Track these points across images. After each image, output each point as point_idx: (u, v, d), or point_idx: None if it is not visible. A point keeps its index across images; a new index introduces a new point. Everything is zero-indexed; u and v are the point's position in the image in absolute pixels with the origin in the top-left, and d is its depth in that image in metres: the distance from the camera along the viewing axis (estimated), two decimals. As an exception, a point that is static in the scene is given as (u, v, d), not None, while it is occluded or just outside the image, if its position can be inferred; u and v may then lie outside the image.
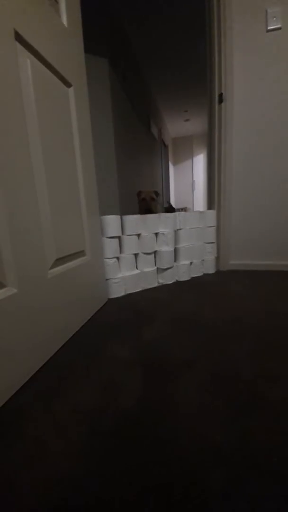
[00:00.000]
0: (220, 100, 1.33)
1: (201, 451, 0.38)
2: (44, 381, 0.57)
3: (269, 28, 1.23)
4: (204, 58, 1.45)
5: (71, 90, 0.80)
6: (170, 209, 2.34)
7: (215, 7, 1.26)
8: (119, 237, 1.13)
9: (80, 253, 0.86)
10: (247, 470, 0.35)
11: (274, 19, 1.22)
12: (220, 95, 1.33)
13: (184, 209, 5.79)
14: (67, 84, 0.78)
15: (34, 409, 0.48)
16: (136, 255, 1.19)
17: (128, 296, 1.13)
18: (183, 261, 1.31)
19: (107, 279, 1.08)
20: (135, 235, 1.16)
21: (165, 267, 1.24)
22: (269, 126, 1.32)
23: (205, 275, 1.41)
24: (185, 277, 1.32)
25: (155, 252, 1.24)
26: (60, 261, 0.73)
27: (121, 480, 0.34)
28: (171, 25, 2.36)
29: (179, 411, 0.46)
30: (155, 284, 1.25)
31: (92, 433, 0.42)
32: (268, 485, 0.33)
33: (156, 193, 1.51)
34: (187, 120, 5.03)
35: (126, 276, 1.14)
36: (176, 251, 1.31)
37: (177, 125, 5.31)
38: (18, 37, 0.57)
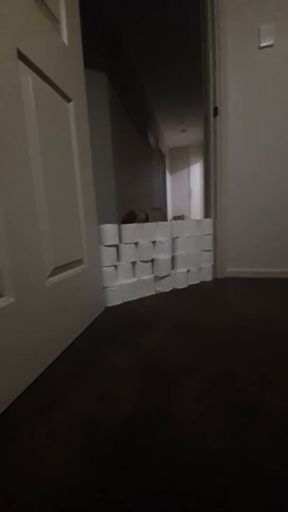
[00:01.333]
0: (215, 113, 1.38)
1: (200, 459, 0.38)
2: (42, 390, 0.56)
3: (261, 45, 1.29)
4: (200, 72, 1.51)
5: (71, 105, 0.83)
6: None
7: (209, 24, 1.32)
8: (117, 246, 1.14)
9: (78, 262, 0.87)
10: (246, 478, 0.35)
11: (267, 36, 1.28)
12: (215, 109, 1.38)
13: (181, 217, 5.85)
14: (67, 99, 0.81)
15: (31, 419, 0.48)
16: (133, 263, 1.20)
17: (126, 304, 1.13)
18: (181, 269, 1.32)
19: (104, 287, 1.09)
20: (133, 243, 1.18)
21: (162, 275, 1.25)
22: (261, 136, 1.36)
23: (203, 282, 1.42)
24: (182, 285, 1.33)
25: (152, 260, 1.25)
26: (58, 269, 0.73)
27: (120, 488, 0.34)
28: (168, 39, 2.45)
29: (178, 419, 0.46)
30: (153, 292, 1.26)
31: (90, 442, 0.42)
32: (266, 493, 0.33)
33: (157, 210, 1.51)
34: (183, 131, 5.15)
35: (123, 284, 1.14)
36: (173, 259, 1.32)
37: (174, 136, 5.43)
38: (21, 56, 0.59)
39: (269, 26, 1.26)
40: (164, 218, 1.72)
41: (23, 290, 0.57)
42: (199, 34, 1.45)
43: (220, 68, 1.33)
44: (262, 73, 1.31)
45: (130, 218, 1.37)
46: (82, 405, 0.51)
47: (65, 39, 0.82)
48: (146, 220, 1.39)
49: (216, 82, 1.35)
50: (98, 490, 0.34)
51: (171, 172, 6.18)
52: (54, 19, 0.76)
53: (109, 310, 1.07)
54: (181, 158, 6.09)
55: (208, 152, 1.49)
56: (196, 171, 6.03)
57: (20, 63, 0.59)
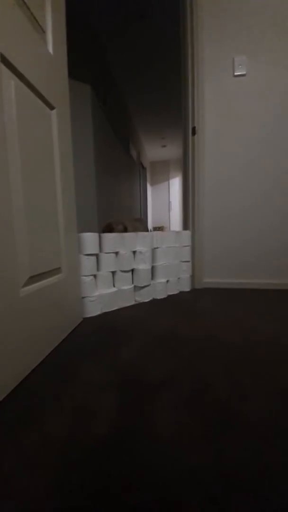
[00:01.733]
0: (193, 133, 1.46)
1: (178, 473, 0.37)
2: (13, 408, 0.52)
3: (235, 73, 1.41)
4: (180, 91, 1.60)
5: (54, 112, 0.83)
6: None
7: (189, 51, 1.42)
8: (96, 255, 1.12)
9: (56, 271, 0.84)
10: (223, 489, 0.34)
11: (240, 66, 1.40)
12: (193, 128, 1.46)
13: (160, 228, 5.96)
14: (50, 106, 0.81)
15: (1, 439, 0.44)
16: (113, 272, 1.19)
17: (105, 314, 1.10)
18: (160, 279, 1.33)
19: (83, 297, 1.05)
20: (113, 253, 1.17)
21: (142, 285, 1.25)
22: (234, 154, 1.46)
23: (181, 293, 1.44)
24: (161, 295, 1.34)
25: (132, 270, 1.25)
26: (34, 278, 0.70)
27: (96, 509, 0.32)
28: (150, 56, 2.57)
29: (155, 434, 0.44)
30: (132, 302, 1.25)
31: (62, 464, 0.39)
32: (244, 502, 0.33)
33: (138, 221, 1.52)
34: (164, 146, 5.35)
35: (103, 294, 1.12)
36: (153, 269, 1.33)
37: (155, 150, 5.62)
38: (4, 60, 0.59)
39: (242, 57, 1.39)
40: (145, 229, 1.74)
41: (-5, 300, 0.54)
42: (180, 59, 1.55)
43: (198, 92, 1.42)
44: (235, 98, 1.43)
45: (108, 230, 1.36)
46: (55, 424, 0.48)
47: (50, 48, 0.82)
48: (125, 231, 1.39)
49: (195, 104, 1.43)
50: (72, 517, 0.32)
51: (152, 184, 6.34)
52: (40, 29, 0.77)
53: (87, 321, 1.03)
54: (161, 171, 6.29)
55: (187, 168, 1.55)
56: (175, 184, 6.24)
57: (3, 66, 0.58)
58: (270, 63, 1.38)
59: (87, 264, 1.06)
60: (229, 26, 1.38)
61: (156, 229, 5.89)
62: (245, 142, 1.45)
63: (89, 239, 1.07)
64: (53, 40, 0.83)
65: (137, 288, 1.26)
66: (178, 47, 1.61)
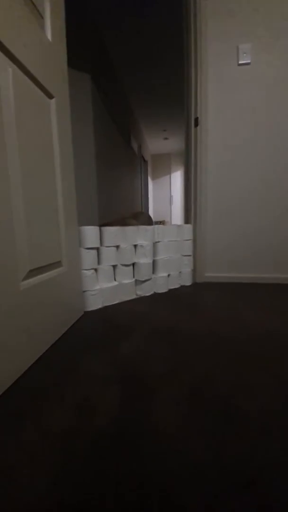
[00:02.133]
0: (196, 124, 1.43)
1: (181, 468, 0.37)
2: (12, 402, 0.52)
3: (240, 62, 1.36)
4: (182, 82, 1.56)
5: (53, 102, 0.80)
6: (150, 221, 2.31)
7: (192, 40, 1.38)
8: (97, 248, 1.11)
9: (57, 264, 0.84)
10: (226, 484, 0.34)
11: (245, 55, 1.35)
12: (196, 119, 1.42)
13: (162, 222, 5.94)
14: (49, 95, 0.79)
15: (1, 433, 0.44)
16: (114, 266, 1.18)
17: (106, 308, 1.10)
18: (161, 273, 1.32)
19: (84, 291, 1.05)
20: (114, 246, 1.16)
21: (143, 279, 1.24)
22: (237, 144, 1.43)
23: (182, 287, 1.43)
24: (163, 289, 1.33)
25: (133, 264, 1.24)
26: (34, 272, 0.70)
27: (98, 504, 0.32)
28: (153, 47, 2.51)
29: (157, 428, 0.44)
30: (133, 296, 1.24)
31: (65, 457, 0.39)
32: (247, 498, 0.33)
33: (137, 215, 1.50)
34: (166, 138, 5.27)
35: (104, 288, 1.12)
36: (154, 263, 1.32)
37: (156, 143, 5.54)
38: (1, 46, 0.57)
39: (246, 45, 1.34)
40: (150, 223, 1.73)
41: (-5, 293, 0.53)
42: (182, 48, 1.51)
43: (201, 82, 1.38)
44: (239, 87, 1.39)
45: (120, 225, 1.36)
46: (57, 417, 0.48)
47: (49, 35, 0.80)
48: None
49: (198, 94, 1.40)
50: (75, 509, 0.32)
51: (153, 178, 6.27)
52: (38, 14, 0.74)
53: (88, 314, 1.03)
54: (163, 165, 6.21)
55: (189, 160, 1.53)
56: (177, 178, 6.18)
57: (0, 53, 0.57)
58: (276, 52, 1.33)
59: (88, 257, 1.06)
60: (234, 13, 1.33)
61: (157, 223, 5.85)
62: (250, 134, 1.41)
63: (90, 232, 1.06)
64: (52, 27, 0.81)
65: (138, 282, 1.25)
66: (180, 35, 1.56)
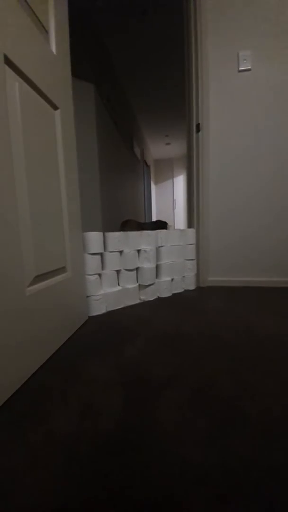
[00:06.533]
0: (198, 130, 1.45)
1: (184, 471, 0.37)
2: (18, 406, 0.53)
3: (240, 68, 1.38)
4: (184, 88, 1.58)
5: (57, 112, 0.83)
6: (162, 225, 2.26)
7: (193, 47, 1.40)
8: (101, 254, 1.13)
9: (61, 270, 0.85)
10: (228, 488, 0.34)
11: (245, 61, 1.37)
12: (198, 125, 1.44)
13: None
14: (54, 106, 0.81)
15: (6, 437, 0.45)
16: (118, 271, 1.19)
17: (110, 313, 1.11)
18: (165, 278, 1.33)
19: (88, 296, 1.06)
20: (118, 251, 1.17)
21: (147, 284, 1.25)
22: (238, 150, 1.44)
23: (186, 291, 1.43)
24: (166, 294, 1.33)
25: (137, 269, 1.25)
26: (40, 278, 0.71)
27: (102, 507, 0.32)
28: (153, 54, 2.55)
29: (160, 432, 0.45)
30: (137, 301, 1.25)
31: (69, 461, 0.40)
32: (249, 501, 0.33)
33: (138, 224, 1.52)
34: (168, 143, 5.31)
35: (107, 293, 1.12)
36: (157, 267, 1.33)
37: (158, 148, 5.58)
38: (8, 61, 0.59)
39: (247, 52, 1.36)
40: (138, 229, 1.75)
41: (1, 299, 0.54)
42: (183, 55, 1.53)
43: (202, 88, 1.40)
44: (240, 93, 1.40)
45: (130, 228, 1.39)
46: (61, 421, 0.48)
47: (53, 48, 0.82)
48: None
49: (199, 100, 1.42)
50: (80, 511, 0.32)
51: (156, 183, 6.31)
52: (43, 28, 0.77)
53: (92, 319, 1.04)
54: (165, 169, 6.25)
55: (191, 165, 1.54)
56: (179, 182, 6.20)
57: (7, 68, 0.59)
58: (276, 57, 1.35)
59: (92, 263, 1.07)
60: (234, 19, 1.35)
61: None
62: (250, 139, 1.43)
63: (94, 238, 1.07)
64: (56, 40, 0.83)
65: (141, 287, 1.26)
66: (181, 42, 1.59)
